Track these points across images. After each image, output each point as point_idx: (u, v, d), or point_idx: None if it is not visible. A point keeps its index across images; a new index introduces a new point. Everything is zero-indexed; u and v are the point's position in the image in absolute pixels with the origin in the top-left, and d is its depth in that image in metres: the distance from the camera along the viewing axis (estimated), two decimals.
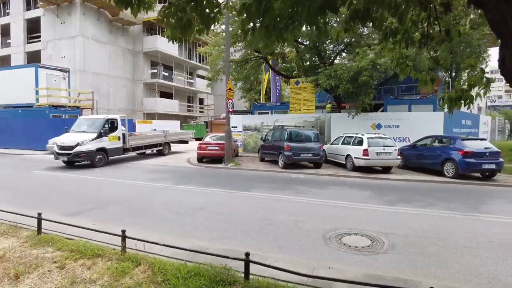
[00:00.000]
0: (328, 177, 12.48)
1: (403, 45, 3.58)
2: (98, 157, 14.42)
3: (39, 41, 30.65)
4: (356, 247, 5.32)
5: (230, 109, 15.45)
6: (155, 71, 34.41)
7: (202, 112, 43.45)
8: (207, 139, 15.94)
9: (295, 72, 20.99)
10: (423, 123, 16.46)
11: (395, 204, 8.31)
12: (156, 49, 32.70)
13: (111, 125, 15.20)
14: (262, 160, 16.35)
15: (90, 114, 25.79)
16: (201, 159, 15.74)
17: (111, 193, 9.39)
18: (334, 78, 15.41)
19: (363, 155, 12.69)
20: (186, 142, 21.60)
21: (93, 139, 14.25)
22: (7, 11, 33.18)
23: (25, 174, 12.72)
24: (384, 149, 12.81)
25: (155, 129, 24.55)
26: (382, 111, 18.76)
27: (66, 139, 14.26)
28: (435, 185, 10.99)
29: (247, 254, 3.88)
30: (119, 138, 15.54)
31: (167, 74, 35.60)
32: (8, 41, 33.23)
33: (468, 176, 11.86)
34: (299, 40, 18.41)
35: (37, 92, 22.25)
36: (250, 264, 3.86)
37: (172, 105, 35.21)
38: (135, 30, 33.83)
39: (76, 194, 9.17)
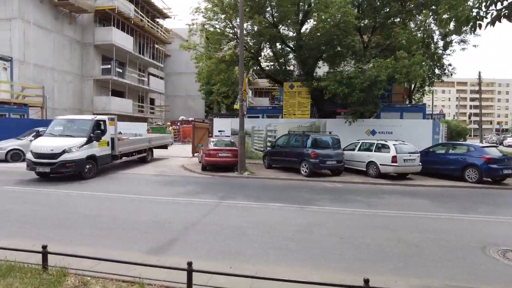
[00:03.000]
0: (363, 185, 11.99)
1: None
2: (87, 166, 11.74)
3: None
4: None
5: (244, 111, 14.02)
6: (108, 66, 30.48)
7: (153, 113, 40.09)
8: (212, 145, 14.22)
9: (285, 76, 20.22)
10: (413, 129, 17.11)
11: (494, 213, 8.18)
12: (110, 42, 28.98)
13: (99, 128, 12.60)
14: (269, 167, 15.23)
15: (39, 113, 21.68)
16: (205, 167, 14.00)
17: (157, 215, 7.44)
18: (347, 85, 15.04)
19: (392, 162, 12.51)
20: (166, 147, 19.28)
21: (82, 145, 11.55)
22: None
23: None
24: (410, 155, 12.81)
25: (120, 132, 21.51)
26: (375, 117, 19.09)
27: (45, 144, 11.32)
28: (473, 191, 11.28)
29: None
30: (108, 143, 12.97)
31: (120, 70, 31.89)
32: None
33: (484, 181, 12.43)
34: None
35: None
36: None
37: (126, 105, 31.64)
38: (85, 19, 29.58)
39: (105, 218, 7.04)
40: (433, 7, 16.47)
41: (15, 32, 23.45)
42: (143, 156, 16.26)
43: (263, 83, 39.91)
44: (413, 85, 26.92)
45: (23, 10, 23.82)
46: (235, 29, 18.38)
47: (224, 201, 8.79)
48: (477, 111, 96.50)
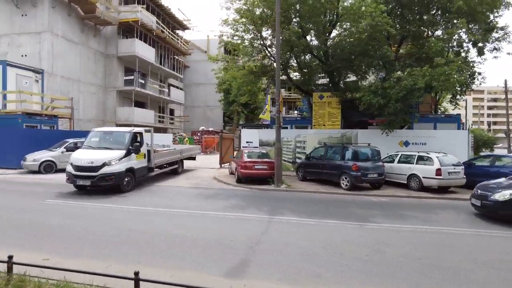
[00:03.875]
0: (408, 199, 11.57)
1: None
2: (126, 179, 11.61)
3: None
4: None
5: (281, 123, 13.79)
6: (131, 77, 30.81)
7: (172, 123, 40.25)
8: (246, 157, 13.99)
9: (312, 87, 19.99)
10: (448, 140, 16.57)
11: None
12: (133, 53, 29.33)
13: (136, 140, 12.51)
14: (303, 179, 14.89)
15: (68, 125, 21.89)
16: (240, 179, 13.74)
17: (214, 232, 7.19)
18: (382, 96, 14.72)
19: (436, 174, 12.06)
20: (194, 158, 19.13)
21: (121, 158, 11.45)
22: None
23: (37, 205, 9.56)
24: (454, 168, 12.35)
25: (164, 145, 21.35)
26: (407, 128, 18.65)
27: (85, 157, 11.25)
28: None
29: None
30: (144, 155, 12.87)
31: (142, 81, 32.18)
32: None
33: None
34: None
35: (5, 96, 17.98)
36: None
37: (148, 116, 31.82)
38: (108, 31, 30.07)
39: (162, 236, 6.78)
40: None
41: (45, 45, 23.88)
42: (175, 168, 16.12)
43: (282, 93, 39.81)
44: (439, 95, 26.42)
45: (52, 24, 24.29)
46: (264, 40, 18.35)
47: (274, 217, 8.50)
48: (495, 119, 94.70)
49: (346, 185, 12.60)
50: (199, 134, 34.42)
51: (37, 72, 20.02)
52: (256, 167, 13.32)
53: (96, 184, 10.99)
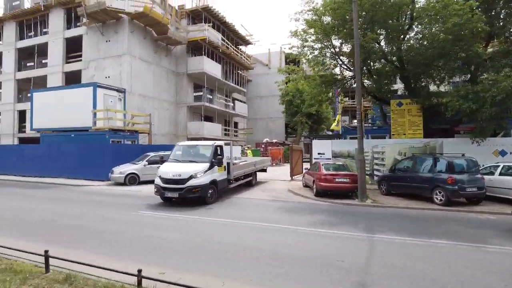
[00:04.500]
0: None
1: None
2: (210, 191, 11.84)
3: (80, 60, 28.47)
4: None
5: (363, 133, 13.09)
6: (199, 93, 32.28)
7: (236, 136, 41.12)
8: (324, 169, 13.47)
9: (388, 94, 18.90)
10: None
11: None
12: (202, 70, 30.69)
13: (218, 153, 12.74)
14: (388, 193, 13.90)
15: (147, 139, 23.36)
16: (319, 192, 13.23)
17: (315, 250, 6.81)
18: (473, 101, 13.29)
19: None
20: (265, 170, 19.08)
21: (206, 171, 11.71)
22: (44, 30, 31.17)
23: (133, 216, 10.06)
24: None
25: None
26: (503, 135, 16.64)
27: (172, 170, 11.68)
28: None
29: None
30: (225, 168, 13.05)
31: (210, 96, 33.49)
32: (44, 61, 30.97)
33: None
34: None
35: (95, 115, 19.78)
36: None
37: (216, 129, 32.87)
38: (178, 50, 31.95)
39: (263, 252, 6.54)
40: None
41: (125, 67, 26.03)
42: (249, 180, 16.17)
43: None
44: None
45: (131, 47, 26.44)
46: (335, 49, 17.86)
47: (374, 235, 7.86)
48: None
49: (441, 200, 11.42)
50: (263, 146, 34.59)
51: (120, 92, 21.78)
52: (337, 180, 12.73)
53: (183, 196, 11.33)
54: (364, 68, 19.54)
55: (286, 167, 29.21)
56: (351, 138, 19.25)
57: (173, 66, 31.67)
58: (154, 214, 10.35)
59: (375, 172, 16.83)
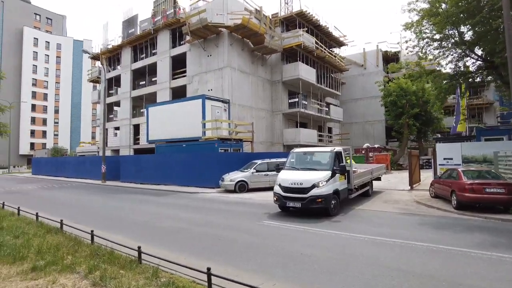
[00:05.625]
0: None
1: None
2: (333, 202, 10.91)
3: (184, 76, 30.69)
4: None
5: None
6: (294, 100, 31.93)
7: (331, 141, 39.54)
8: (465, 177, 11.40)
9: None
10: None
11: None
12: (297, 76, 30.27)
13: (339, 160, 11.76)
14: None
15: (249, 148, 23.69)
16: (462, 204, 11.18)
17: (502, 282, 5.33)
18: None
19: None
20: (379, 178, 17.39)
21: (328, 179, 10.83)
22: (153, 51, 34.61)
23: (258, 226, 9.67)
24: None
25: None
26: None
27: (293, 178, 11.07)
28: None
29: None
30: (345, 177, 12.01)
31: (305, 102, 32.87)
32: (153, 79, 34.36)
33: None
34: None
35: (204, 125, 20.72)
36: None
37: (311, 135, 32.01)
38: (273, 59, 32.17)
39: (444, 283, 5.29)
40: None
41: (226, 79, 27.05)
42: (366, 190, 14.79)
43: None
44: None
45: (230, 59, 27.39)
46: (455, 38, 15.47)
47: None
48: None
49: None
50: (363, 152, 32.36)
51: (225, 102, 22.55)
52: (487, 190, 10.58)
53: (306, 207, 10.61)
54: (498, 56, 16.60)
55: (395, 175, 26.70)
56: (486, 140, 16.37)
57: (268, 75, 31.96)
58: (281, 225, 9.83)
59: None
